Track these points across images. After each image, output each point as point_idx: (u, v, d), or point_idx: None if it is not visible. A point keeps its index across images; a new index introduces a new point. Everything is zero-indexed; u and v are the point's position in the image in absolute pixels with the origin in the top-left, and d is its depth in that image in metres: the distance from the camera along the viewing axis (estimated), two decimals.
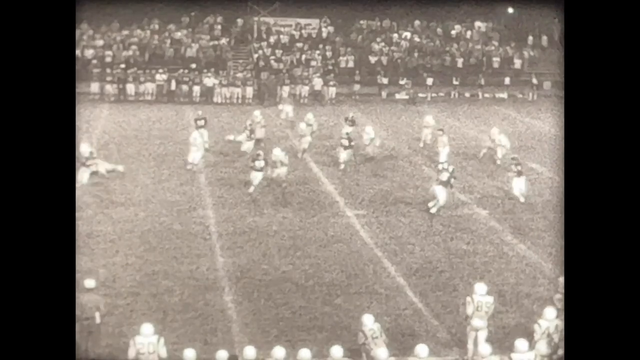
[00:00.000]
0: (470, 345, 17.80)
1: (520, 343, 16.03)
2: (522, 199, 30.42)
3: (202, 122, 37.90)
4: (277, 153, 31.55)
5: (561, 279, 18.91)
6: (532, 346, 16.49)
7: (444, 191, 28.91)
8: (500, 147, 36.12)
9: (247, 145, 36.40)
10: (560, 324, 17.03)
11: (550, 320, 17.35)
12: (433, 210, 28.70)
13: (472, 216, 29.38)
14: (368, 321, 17.11)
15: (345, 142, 35.45)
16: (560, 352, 16.75)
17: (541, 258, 25.01)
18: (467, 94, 58.05)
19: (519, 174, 30.79)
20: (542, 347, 17.08)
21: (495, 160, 36.29)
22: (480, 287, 18.22)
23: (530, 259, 24.99)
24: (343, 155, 35.01)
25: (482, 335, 17.66)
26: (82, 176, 30.45)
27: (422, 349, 16.04)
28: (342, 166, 34.49)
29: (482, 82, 58.49)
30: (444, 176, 29.06)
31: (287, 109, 45.69)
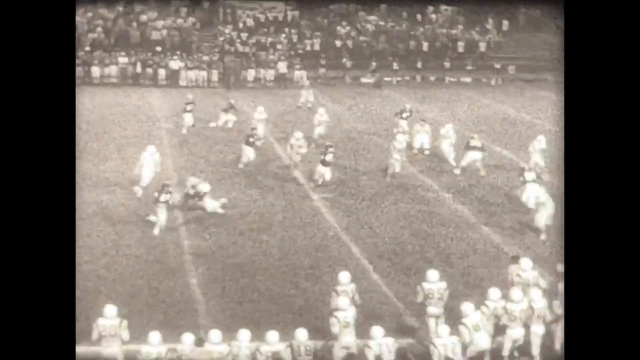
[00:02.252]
0: (431, 329, 17.88)
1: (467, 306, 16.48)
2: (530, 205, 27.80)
3: (190, 107, 38.11)
4: (298, 136, 31.93)
5: (524, 261, 19.11)
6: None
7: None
8: (447, 138, 34.96)
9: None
10: (510, 305, 17.16)
11: (495, 300, 17.50)
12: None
13: (438, 200, 29.50)
14: (343, 304, 17.17)
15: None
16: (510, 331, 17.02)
17: (504, 241, 25.18)
18: (432, 78, 58.17)
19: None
20: (433, 308, 17.34)
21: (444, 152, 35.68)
22: (431, 274, 18.19)
23: (494, 242, 25.15)
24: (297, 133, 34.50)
25: (440, 320, 17.68)
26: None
27: (377, 331, 16.27)
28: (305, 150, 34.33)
29: (447, 66, 58.65)
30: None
31: (307, 95, 45.72)
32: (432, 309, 17.87)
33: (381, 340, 16.03)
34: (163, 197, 25.08)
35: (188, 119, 38.37)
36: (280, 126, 39.33)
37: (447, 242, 25.05)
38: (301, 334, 16.09)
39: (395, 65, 57.63)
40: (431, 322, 17.76)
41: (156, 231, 24.72)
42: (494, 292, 17.64)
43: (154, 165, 29.00)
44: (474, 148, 31.98)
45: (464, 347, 16.38)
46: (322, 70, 56.62)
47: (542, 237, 24.84)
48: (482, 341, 16.77)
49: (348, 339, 16.76)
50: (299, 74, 54.99)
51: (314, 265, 23.00)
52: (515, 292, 17.54)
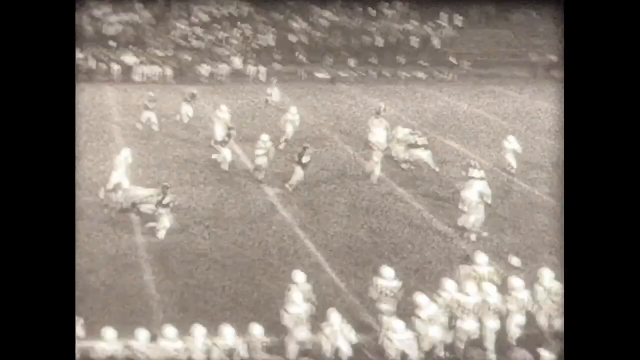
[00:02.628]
0: (384, 326, 17.92)
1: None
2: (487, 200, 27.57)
3: (152, 105, 37.77)
4: (265, 139, 30.82)
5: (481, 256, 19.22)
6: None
7: None
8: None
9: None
10: (464, 299, 17.29)
11: (449, 291, 17.61)
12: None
13: (393, 195, 29.60)
14: (298, 299, 17.18)
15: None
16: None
17: (458, 234, 25.32)
18: (387, 74, 58.28)
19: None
20: (386, 306, 17.48)
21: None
22: (386, 271, 18.27)
23: (447, 237, 25.27)
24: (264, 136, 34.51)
25: (392, 317, 17.72)
26: None
27: (334, 315, 16.34)
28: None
29: (403, 61, 58.81)
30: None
31: (275, 93, 44.99)
32: (384, 306, 17.89)
33: (338, 327, 16.15)
34: (166, 200, 24.58)
35: (149, 116, 37.79)
36: (248, 126, 39.02)
37: (402, 237, 25.11)
38: (256, 329, 16.10)
39: (350, 61, 57.68)
40: (384, 319, 17.80)
41: (161, 235, 24.37)
42: (449, 284, 17.75)
43: (126, 169, 27.87)
44: (419, 146, 31.98)
45: (419, 341, 16.46)
46: (276, 66, 56.53)
47: (473, 238, 24.79)
48: (437, 334, 16.87)
49: (302, 334, 16.78)
50: (255, 70, 54.88)
51: (269, 261, 22.99)
52: (470, 286, 17.65)
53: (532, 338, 16.99)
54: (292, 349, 16.78)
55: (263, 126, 36.58)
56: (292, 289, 17.67)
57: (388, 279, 18.05)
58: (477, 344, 16.78)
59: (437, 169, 31.76)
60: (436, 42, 61.24)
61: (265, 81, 51.68)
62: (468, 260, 19.31)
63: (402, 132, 33.22)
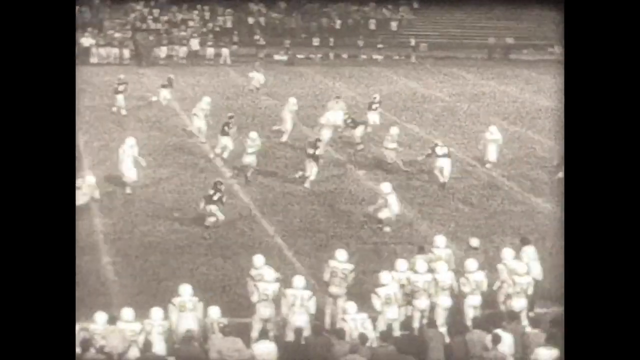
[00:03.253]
0: (332, 307, 18.00)
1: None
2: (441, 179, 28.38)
3: (123, 87, 37.60)
4: (254, 137, 28.96)
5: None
6: None
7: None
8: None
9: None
10: (414, 276, 17.53)
11: (341, 261, 17.92)
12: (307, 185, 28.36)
13: (348, 175, 29.70)
14: (268, 276, 17.24)
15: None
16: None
17: (416, 217, 25.48)
18: (345, 55, 58.35)
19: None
20: (337, 288, 17.64)
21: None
22: (339, 253, 18.29)
23: (407, 218, 25.40)
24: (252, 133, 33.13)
25: (341, 299, 17.81)
26: None
27: (299, 280, 16.76)
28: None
29: (361, 43, 58.89)
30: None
31: (258, 77, 44.69)
32: (333, 288, 17.91)
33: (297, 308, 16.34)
34: (217, 196, 24.01)
35: (120, 100, 37.57)
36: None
37: (360, 218, 25.20)
38: (213, 311, 16.16)
39: (308, 43, 57.70)
40: (331, 300, 17.83)
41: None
42: (401, 264, 17.89)
43: (135, 159, 26.99)
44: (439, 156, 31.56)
45: (374, 320, 16.58)
46: (234, 47, 56.41)
47: (387, 229, 24.43)
48: (392, 313, 17.01)
49: (266, 311, 16.84)
50: (211, 52, 54.76)
51: (228, 244, 23.01)
52: (419, 264, 17.80)
53: (489, 318, 17.08)
54: (256, 325, 16.83)
55: (250, 113, 36.39)
56: (252, 275, 17.65)
57: (341, 260, 18.10)
58: (433, 323, 16.88)
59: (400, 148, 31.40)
60: (393, 24, 61.38)
61: (228, 63, 51.63)
62: (422, 250, 19.31)
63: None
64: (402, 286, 17.51)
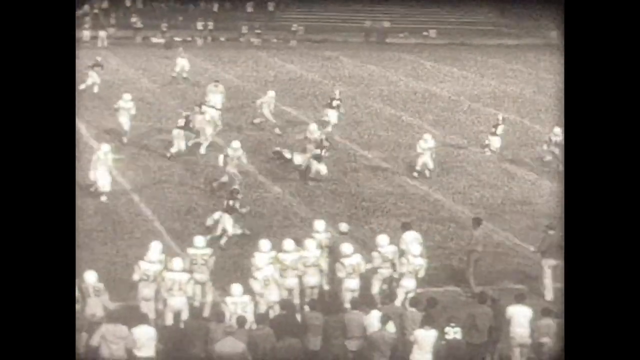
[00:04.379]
0: (196, 294, 18.08)
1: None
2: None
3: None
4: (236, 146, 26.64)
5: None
6: None
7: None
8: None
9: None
10: (281, 255, 17.83)
11: (199, 247, 18.11)
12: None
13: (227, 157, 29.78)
14: (177, 266, 17.28)
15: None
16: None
17: (294, 200, 25.78)
18: (222, 39, 58.24)
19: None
20: (199, 275, 17.75)
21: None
22: (197, 240, 18.28)
23: (285, 202, 25.65)
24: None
25: (206, 286, 18.01)
26: None
27: (177, 262, 16.90)
28: None
29: (244, 29, 58.72)
30: None
31: (183, 63, 43.11)
32: (197, 275, 17.90)
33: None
34: (232, 202, 22.50)
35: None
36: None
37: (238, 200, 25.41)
38: (89, 275, 16.19)
39: (186, 25, 57.45)
40: (196, 288, 17.80)
41: (223, 242, 22.10)
42: (288, 243, 18.15)
43: (108, 166, 25.04)
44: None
45: (256, 303, 16.77)
46: (111, 30, 55.83)
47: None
48: (272, 295, 17.21)
49: (145, 291, 16.92)
50: (88, 34, 54.11)
51: (106, 228, 22.91)
52: (287, 242, 18.08)
53: (365, 300, 17.37)
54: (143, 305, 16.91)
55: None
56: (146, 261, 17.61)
57: (198, 247, 18.18)
58: (313, 305, 17.10)
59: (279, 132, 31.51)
60: (271, 7, 61.47)
61: (105, 46, 51.12)
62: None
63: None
64: (279, 268, 17.72)
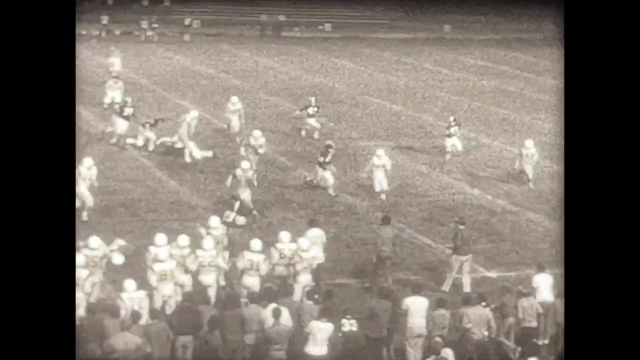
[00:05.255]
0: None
1: None
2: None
3: None
4: (257, 135, 27.76)
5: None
6: None
7: None
8: None
9: None
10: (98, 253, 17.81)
11: (93, 248, 17.92)
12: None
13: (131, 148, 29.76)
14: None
15: None
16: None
17: (199, 195, 25.80)
18: (117, 32, 57.48)
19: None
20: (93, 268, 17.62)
21: None
22: (93, 241, 18.04)
23: (184, 197, 25.63)
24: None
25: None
26: None
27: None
28: None
29: (136, 20, 58.05)
30: None
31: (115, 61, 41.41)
32: (92, 277, 17.81)
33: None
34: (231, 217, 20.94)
35: None
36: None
37: (135, 192, 25.57)
38: None
39: (79, 19, 56.62)
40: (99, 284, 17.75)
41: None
42: (182, 239, 18.19)
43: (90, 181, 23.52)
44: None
45: (151, 298, 16.72)
46: None
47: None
48: (167, 289, 17.18)
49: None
50: None
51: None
52: (181, 239, 18.13)
53: (263, 295, 17.41)
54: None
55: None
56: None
57: (93, 248, 17.86)
58: (208, 299, 17.11)
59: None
60: (166, 2, 61.08)
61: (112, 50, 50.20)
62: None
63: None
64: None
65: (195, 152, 28.64)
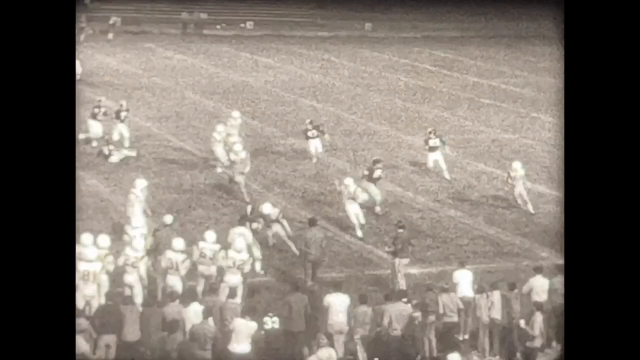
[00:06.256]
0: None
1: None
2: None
3: None
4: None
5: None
6: None
7: None
8: None
9: None
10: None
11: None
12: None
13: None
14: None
15: None
16: None
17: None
18: (92, 31, 56.42)
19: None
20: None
21: None
22: (85, 237, 18.20)
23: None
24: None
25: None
26: None
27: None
28: None
29: (113, 22, 57.24)
30: None
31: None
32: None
33: None
34: (254, 225, 20.96)
35: None
36: None
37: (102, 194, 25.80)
38: None
39: None
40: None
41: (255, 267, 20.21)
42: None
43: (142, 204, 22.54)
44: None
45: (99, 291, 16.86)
46: None
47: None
48: (89, 289, 17.17)
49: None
50: None
51: None
52: (101, 237, 18.36)
53: (186, 293, 17.42)
54: None
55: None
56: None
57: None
58: (130, 300, 17.10)
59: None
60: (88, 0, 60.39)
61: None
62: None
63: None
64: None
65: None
